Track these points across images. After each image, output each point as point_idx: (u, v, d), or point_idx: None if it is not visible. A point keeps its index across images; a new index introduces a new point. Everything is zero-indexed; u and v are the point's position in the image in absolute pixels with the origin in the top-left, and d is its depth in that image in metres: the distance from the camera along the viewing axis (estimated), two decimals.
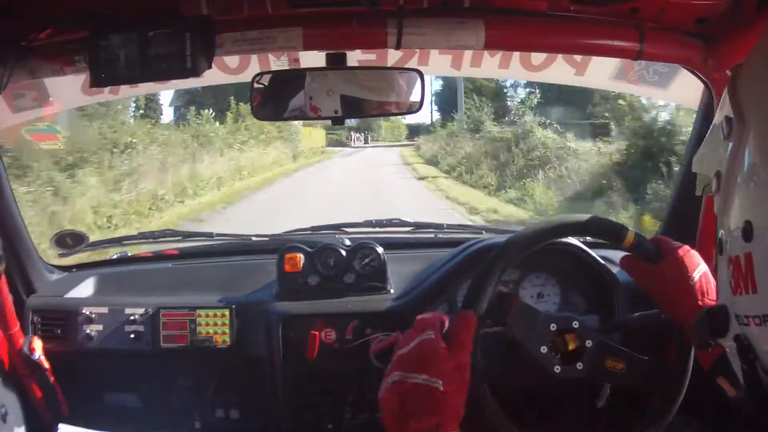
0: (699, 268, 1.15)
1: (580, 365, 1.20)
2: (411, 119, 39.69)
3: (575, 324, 1.21)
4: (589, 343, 1.21)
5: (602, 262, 1.60)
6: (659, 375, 1.21)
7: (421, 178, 17.07)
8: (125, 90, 1.96)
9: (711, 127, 0.85)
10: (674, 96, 1.87)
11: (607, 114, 12.49)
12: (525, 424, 1.19)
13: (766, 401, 0.74)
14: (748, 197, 0.73)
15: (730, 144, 0.77)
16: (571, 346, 1.20)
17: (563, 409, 1.51)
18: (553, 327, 1.21)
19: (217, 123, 16.56)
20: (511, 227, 1.32)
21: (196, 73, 1.17)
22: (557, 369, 1.19)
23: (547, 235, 1.23)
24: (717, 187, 0.80)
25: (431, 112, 32.88)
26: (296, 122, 18.11)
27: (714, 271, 1.04)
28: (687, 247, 1.19)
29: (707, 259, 1.17)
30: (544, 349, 1.20)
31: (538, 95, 18.07)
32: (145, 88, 2.10)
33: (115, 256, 2.05)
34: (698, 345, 1.01)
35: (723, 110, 0.80)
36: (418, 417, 0.90)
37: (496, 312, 1.17)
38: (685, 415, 1.26)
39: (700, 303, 1.10)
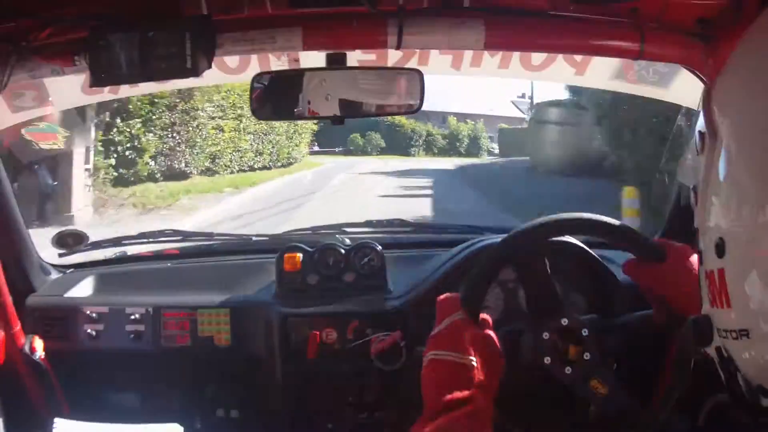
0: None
1: (587, 355, 1.20)
2: None
3: (564, 321, 1.21)
4: (585, 332, 1.21)
5: (602, 262, 1.60)
6: (635, 415, 1.20)
7: None
8: (125, 90, 1.95)
9: (692, 140, 0.86)
10: (674, 96, 1.86)
11: None
12: (526, 423, 1.20)
13: (749, 410, 0.75)
14: (720, 214, 0.73)
15: (704, 158, 0.78)
16: (571, 348, 1.20)
17: (563, 408, 1.51)
18: (544, 336, 1.21)
19: None
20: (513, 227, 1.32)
21: (196, 73, 1.17)
22: (568, 370, 1.19)
23: (542, 233, 1.24)
24: (695, 200, 0.81)
25: None
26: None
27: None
28: (688, 246, 1.19)
29: None
30: (547, 360, 1.20)
31: None
32: (145, 88, 2.10)
33: (115, 256, 2.05)
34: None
35: (698, 125, 0.81)
36: (451, 391, 0.97)
37: None
38: (680, 414, 1.26)
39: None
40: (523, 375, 1.25)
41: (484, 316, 1.14)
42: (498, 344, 1.09)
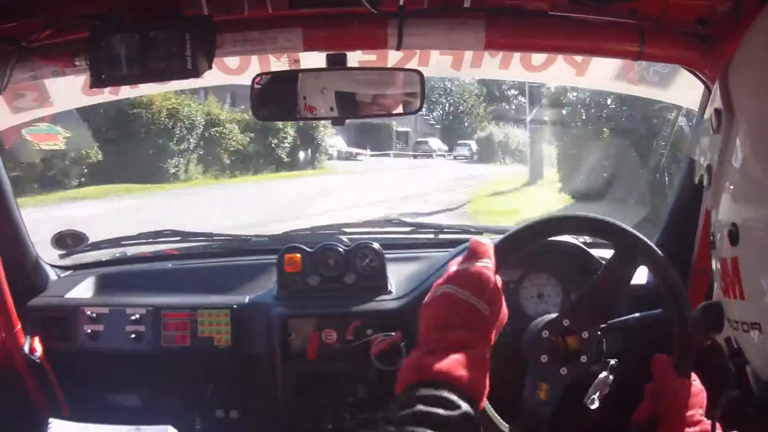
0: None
1: (584, 358, 1.20)
2: None
3: (565, 322, 1.22)
4: (585, 335, 1.21)
5: (603, 262, 1.60)
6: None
7: None
8: (125, 90, 1.95)
9: (704, 118, 0.84)
10: (674, 96, 1.87)
11: None
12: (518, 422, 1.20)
13: (757, 405, 0.74)
14: (735, 197, 0.71)
15: (720, 137, 0.75)
16: (570, 347, 1.20)
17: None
18: (544, 334, 1.22)
19: None
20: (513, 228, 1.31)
21: (196, 73, 1.17)
22: (563, 371, 1.20)
23: (537, 234, 1.23)
24: (708, 180, 0.78)
25: None
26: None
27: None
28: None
29: (707, 258, 1.14)
30: (544, 359, 1.20)
31: None
32: (145, 88, 2.10)
33: (114, 256, 2.05)
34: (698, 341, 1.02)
35: (714, 102, 0.78)
36: (458, 330, 0.92)
37: None
38: None
39: None
40: (521, 373, 1.25)
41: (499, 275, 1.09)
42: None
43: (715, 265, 0.77)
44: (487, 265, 1.00)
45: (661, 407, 1.16)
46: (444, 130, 35.00)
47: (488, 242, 1.04)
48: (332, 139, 22.92)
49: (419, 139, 31.83)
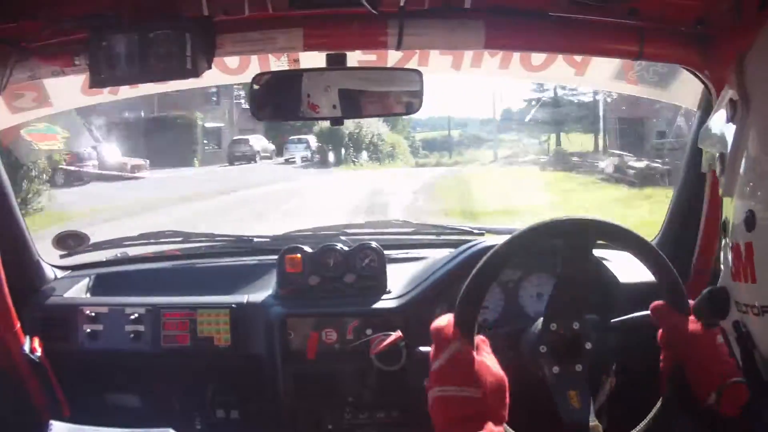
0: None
1: (579, 367, 1.19)
2: None
3: (575, 325, 1.21)
4: (588, 345, 1.20)
5: (602, 262, 1.60)
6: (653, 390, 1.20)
7: None
8: (125, 90, 1.95)
9: (716, 105, 0.84)
10: (674, 96, 1.86)
11: None
12: (516, 425, 1.19)
13: (763, 389, 0.74)
14: (752, 185, 0.71)
15: (734, 126, 0.76)
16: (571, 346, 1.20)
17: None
18: (553, 327, 1.21)
19: None
20: (512, 230, 1.29)
21: (196, 73, 1.17)
22: (555, 369, 1.19)
23: (536, 237, 1.21)
24: (721, 168, 0.79)
25: None
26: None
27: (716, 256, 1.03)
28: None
29: (712, 244, 1.12)
30: (543, 348, 1.20)
31: None
32: (145, 88, 2.10)
33: (115, 257, 2.05)
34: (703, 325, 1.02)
35: (728, 92, 0.79)
36: (461, 424, 0.97)
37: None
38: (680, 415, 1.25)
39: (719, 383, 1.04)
40: (520, 374, 1.25)
41: (479, 338, 1.11)
42: (500, 366, 1.07)
43: (723, 252, 0.78)
44: (456, 349, 1.04)
45: (679, 353, 1.13)
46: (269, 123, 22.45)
47: (447, 321, 1.08)
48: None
49: (236, 137, 21.77)
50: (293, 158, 21.46)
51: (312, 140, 21.87)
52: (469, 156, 23.12)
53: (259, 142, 21.84)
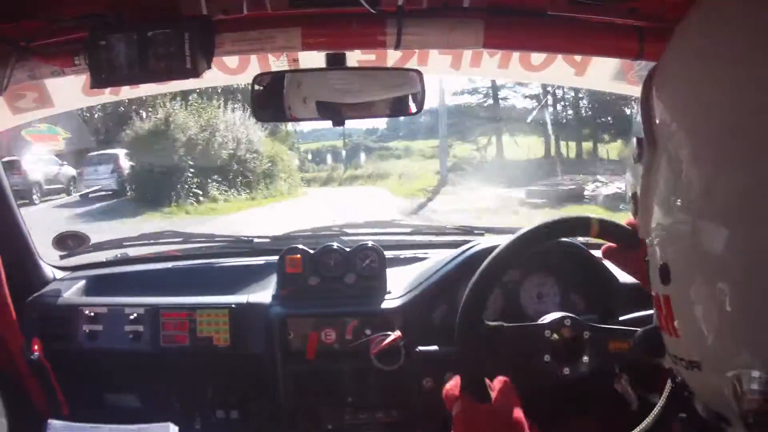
0: None
1: (585, 359, 1.19)
2: None
3: (567, 321, 1.21)
4: (587, 335, 1.20)
5: (602, 262, 1.60)
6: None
7: None
8: (126, 91, 1.95)
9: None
10: None
11: None
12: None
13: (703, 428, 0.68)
14: (663, 236, 0.63)
15: (641, 168, 0.67)
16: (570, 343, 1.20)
17: (573, 409, 1.50)
18: (546, 333, 1.21)
19: None
20: (513, 229, 1.28)
21: (196, 73, 1.17)
22: (566, 371, 1.19)
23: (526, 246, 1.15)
24: (635, 210, 0.71)
25: None
26: None
27: None
28: None
29: None
30: (547, 358, 1.20)
31: None
32: (145, 88, 2.10)
33: (115, 257, 2.05)
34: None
35: (635, 130, 0.70)
36: None
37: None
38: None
39: None
40: (522, 374, 1.25)
41: (486, 383, 1.08)
42: (518, 414, 1.03)
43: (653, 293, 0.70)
44: (459, 410, 1.02)
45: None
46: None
47: (454, 383, 1.07)
48: None
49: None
50: (96, 189, 13.60)
51: (122, 157, 13.72)
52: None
53: (41, 166, 12.30)
